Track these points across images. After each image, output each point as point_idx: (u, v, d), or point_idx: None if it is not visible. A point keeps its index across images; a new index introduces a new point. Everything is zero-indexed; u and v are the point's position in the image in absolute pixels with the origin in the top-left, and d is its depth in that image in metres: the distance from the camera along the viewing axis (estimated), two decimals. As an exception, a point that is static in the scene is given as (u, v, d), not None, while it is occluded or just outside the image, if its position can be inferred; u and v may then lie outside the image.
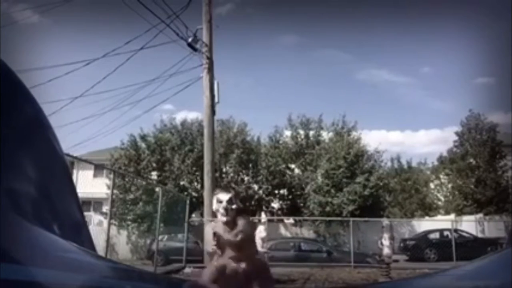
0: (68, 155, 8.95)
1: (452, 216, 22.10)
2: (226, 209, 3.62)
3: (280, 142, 26.29)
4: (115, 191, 17.97)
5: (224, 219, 3.63)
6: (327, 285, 9.73)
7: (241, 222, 3.88)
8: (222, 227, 3.74)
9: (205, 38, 14.10)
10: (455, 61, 44.32)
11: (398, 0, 41.28)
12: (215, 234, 3.70)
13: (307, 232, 21.83)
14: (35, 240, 0.46)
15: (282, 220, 23.41)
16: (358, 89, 46.37)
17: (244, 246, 3.76)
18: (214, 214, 3.97)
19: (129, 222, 21.41)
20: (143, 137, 24.02)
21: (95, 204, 25.05)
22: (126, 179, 21.37)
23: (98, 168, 23.70)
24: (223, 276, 3.60)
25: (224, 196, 3.68)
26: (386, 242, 10.57)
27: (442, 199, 26.80)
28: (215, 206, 3.67)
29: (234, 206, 3.70)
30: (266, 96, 49.30)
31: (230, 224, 3.71)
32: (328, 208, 21.60)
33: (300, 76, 48.50)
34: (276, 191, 25.13)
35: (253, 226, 4.00)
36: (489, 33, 42.05)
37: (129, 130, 28.33)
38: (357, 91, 46.79)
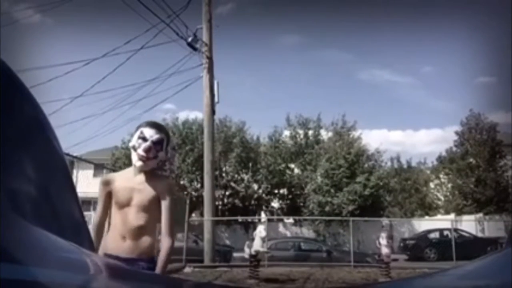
0: (68, 154, 8.95)
1: (452, 216, 22.11)
2: (147, 150, 2.36)
3: (280, 141, 26.31)
4: (115, 190, 17.94)
5: (140, 164, 2.37)
6: (327, 284, 9.73)
7: (165, 183, 2.49)
8: (128, 178, 2.46)
9: (205, 37, 14.10)
10: (456, 61, 44.34)
11: (399, 0, 41.27)
12: (109, 193, 2.44)
13: (307, 232, 21.84)
14: (35, 240, 0.45)
15: (282, 220, 23.43)
16: (359, 89, 46.38)
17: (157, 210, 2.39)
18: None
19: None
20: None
21: (95, 203, 24.96)
22: (126, 179, 21.35)
23: (98, 168, 23.66)
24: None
25: (152, 133, 2.41)
26: (384, 241, 10.57)
27: (442, 198, 26.83)
28: (134, 141, 2.42)
29: (160, 154, 2.44)
30: (267, 96, 49.31)
31: (147, 176, 2.43)
32: (328, 208, 21.62)
33: (301, 76, 48.52)
34: (276, 191, 25.16)
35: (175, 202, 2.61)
36: (490, 32, 42.07)
37: (129, 129, 28.38)
38: (358, 91, 46.78)
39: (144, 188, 2.42)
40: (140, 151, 2.39)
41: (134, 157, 2.42)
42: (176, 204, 2.66)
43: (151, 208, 2.39)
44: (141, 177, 2.45)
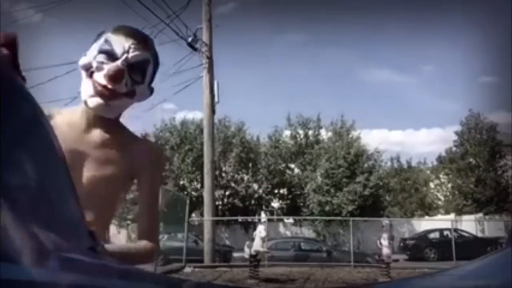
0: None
1: (452, 216, 22.11)
2: (116, 76, 1.22)
3: (280, 141, 26.34)
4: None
5: (96, 103, 1.24)
6: (327, 284, 9.74)
7: (146, 146, 1.36)
8: (72, 128, 1.27)
9: (205, 37, 14.12)
10: (457, 60, 44.41)
11: (399, 0, 41.32)
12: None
13: (307, 232, 21.84)
14: (35, 240, 0.45)
15: (282, 220, 23.43)
16: (359, 88, 46.41)
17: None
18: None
19: (129, 222, 21.44)
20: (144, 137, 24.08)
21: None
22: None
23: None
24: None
25: (128, 45, 1.26)
26: (385, 242, 10.60)
27: (442, 198, 26.84)
28: (90, 57, 1.26)
29: (140, 90, 1.30)
30: (267, 96, 49.33)
31: (110, 131, 1.29)
32: (327, 208, 21.64)
33: (301, 76, 48.52)
34: (276, 191, 25.18)
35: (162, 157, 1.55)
36: (491, 32, 42.10)
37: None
38: (358, 91, 46.84)
39: (105, 154, 1.25)
40: (100, 76, 1.21)
41: (87, 87, 1.23)
42: (162, 185, 1.38)
43: (112, 190, 1.29)
44: (99, 133, 1.26)
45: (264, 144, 26.08)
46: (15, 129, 0.61)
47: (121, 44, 1.25)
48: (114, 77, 1.22)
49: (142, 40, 1.30)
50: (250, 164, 24.20)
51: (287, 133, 26.60)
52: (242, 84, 45.65)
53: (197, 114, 25.14)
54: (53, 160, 0.67)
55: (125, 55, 1.24)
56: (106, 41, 1.26)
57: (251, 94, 47.41)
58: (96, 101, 1.23)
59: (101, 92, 1.22)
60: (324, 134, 25.84)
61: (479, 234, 19.79)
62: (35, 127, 0.67)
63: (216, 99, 14.35)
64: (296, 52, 46.84)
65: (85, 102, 1.25)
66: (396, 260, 11.72)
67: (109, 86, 1.22)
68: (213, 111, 14.42)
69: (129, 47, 1.25)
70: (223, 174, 23.63)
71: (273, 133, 26.59)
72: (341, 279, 10.42)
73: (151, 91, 1.36)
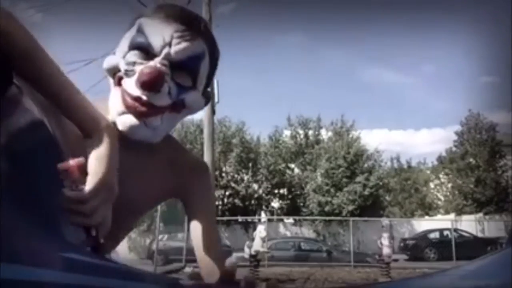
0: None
1: (452, 216, 22.11)
2: (154, 79, 0.82)
3: (280, 141, 26.36)
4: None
5: (132, 121, 0.86)
6: (327, 284, 9.74)
7: (194, 162, 1.09)
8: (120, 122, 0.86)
9: (205, 37, 14.14)
10: (457, 60, 44.44)
11: (400, 0, 41.35)
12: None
13: (307, 232, 21.86)
14: (35, 240, 0.45)
15: (282, 220, 23.45)
16: (359, 88, 46.44)
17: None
18: None
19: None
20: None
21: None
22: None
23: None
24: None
25: (170, 33, 0.87)
26: (385, 241, 10.61)
27: (442, 198, 26.84)
28: (118, 57, 0.90)
29: (190, 97, 0.92)
30: (267, 96, 49.35)
31: (149, 149, 0.94)
32: (327, 208, 21.65)
33: (301, 76, 48.56)
34: (276, 191, 25.19)
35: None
36: (491, 32, 42.12)
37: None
38: (358, 90, 46.86)
39: (143, 168, 0.96)
40: (131, 84, 0.86)
41: (115, 101, 0.88)
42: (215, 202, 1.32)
43: (142, 209, 1.12)
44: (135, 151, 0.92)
45: (264, 144, 26.09)
46: (16, 130, 0.61)
47: (159, 33, 0.88)
48: (150, 83, 0.84)
49: (191, 24, 0.91)
50: (250, 164, 24.20)
51: (287, 133, 26.64)
52: (242, 84, 45.65)
53: (197, 114, 25.13)
54: (54, 161, 0.67)
55: (165, 50, 0.87)
56: (140, 30, 0.90)
57: (251, 94, 47.45)
58: (127, 120, 0.86)
59: (133, 106, 0.85)
60: (324, 134, 25.87)
61: (479, 234, 19.80)
62: (35, 127, 0.67)
63: (216, 99, 14.35)
64: (296, 52, 46.85)
65: (114, 123, 0.86)
66: (395, 260, 11.72)
67: (144, 98, 0.85)
68: (213, 111, 14.42)
69: (172, 37, 0.87)
70: (223, 174, 23.63)
71: (273, 133, 26.63)
72: (341, 279, 10.43)
73: (207, 98, 0.99)
